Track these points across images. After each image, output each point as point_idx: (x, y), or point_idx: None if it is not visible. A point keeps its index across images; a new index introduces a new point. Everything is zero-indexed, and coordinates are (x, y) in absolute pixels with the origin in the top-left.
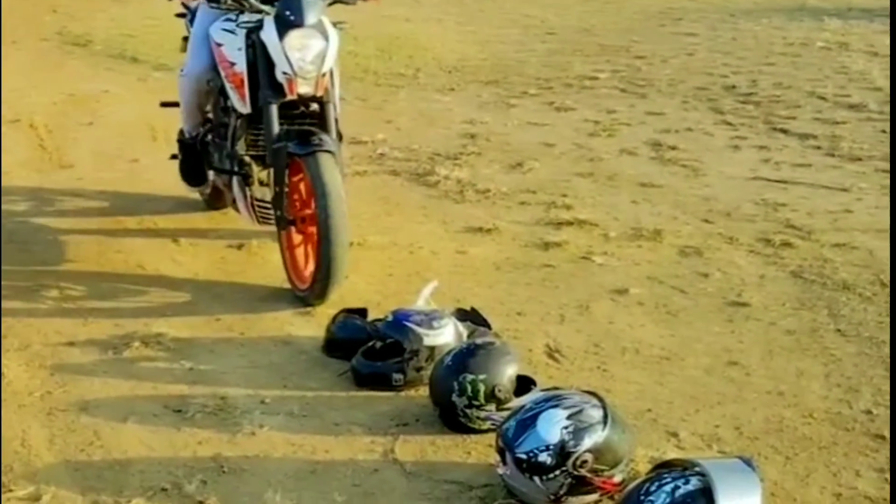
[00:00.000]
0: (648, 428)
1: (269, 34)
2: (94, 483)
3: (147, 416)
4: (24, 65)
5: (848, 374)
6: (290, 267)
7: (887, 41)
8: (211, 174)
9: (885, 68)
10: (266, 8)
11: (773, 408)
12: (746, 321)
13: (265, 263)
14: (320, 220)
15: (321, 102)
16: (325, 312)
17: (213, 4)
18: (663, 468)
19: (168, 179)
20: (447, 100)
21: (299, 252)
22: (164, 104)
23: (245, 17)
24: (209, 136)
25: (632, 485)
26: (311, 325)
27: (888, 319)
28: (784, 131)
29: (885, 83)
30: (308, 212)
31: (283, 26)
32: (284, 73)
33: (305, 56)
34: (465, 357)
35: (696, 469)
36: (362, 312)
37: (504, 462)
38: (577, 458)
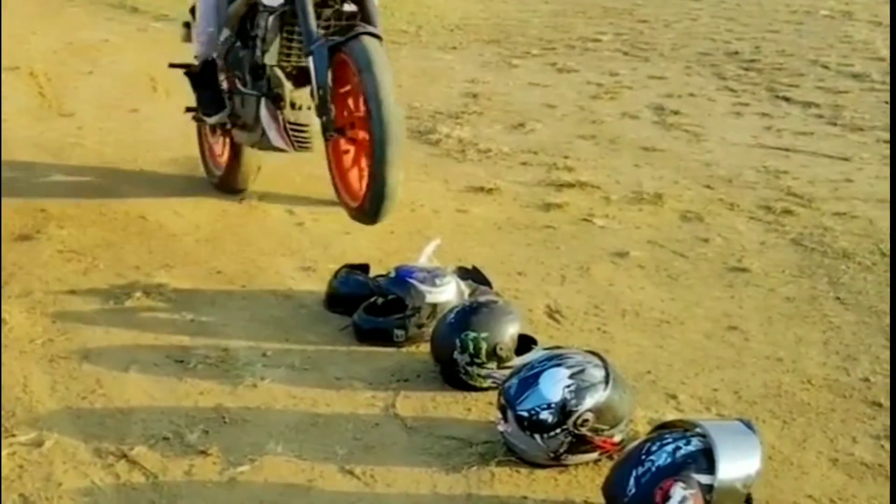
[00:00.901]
0: (648, 389)
1: None
2: (96, 430)
3: (149, 366)
4: (23, 12)
5: (846, 341)
6: (340, 181)
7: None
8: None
9: (888, 38)
10: None
11: (771, 373)
12: (746, 287)
13: (266, 217)
14: (372, 115)
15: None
16: (326, 267)
17: None
18: (664, 429)
19: (169, 130)
20: (449, 58)
21: (348, 162)
22: (174, 65)
23: None
24: (230, 55)
25: (632, 444)
26: (313, 280)
27: (888, 289)
28: (786, 99)
29: (888, 53)
30: (358, 115)
31: None
32: None
33: None
34: (468, 315)
35: (697, 430)
36: (364, 268)
37: (505, 419)
38: (578, 417)
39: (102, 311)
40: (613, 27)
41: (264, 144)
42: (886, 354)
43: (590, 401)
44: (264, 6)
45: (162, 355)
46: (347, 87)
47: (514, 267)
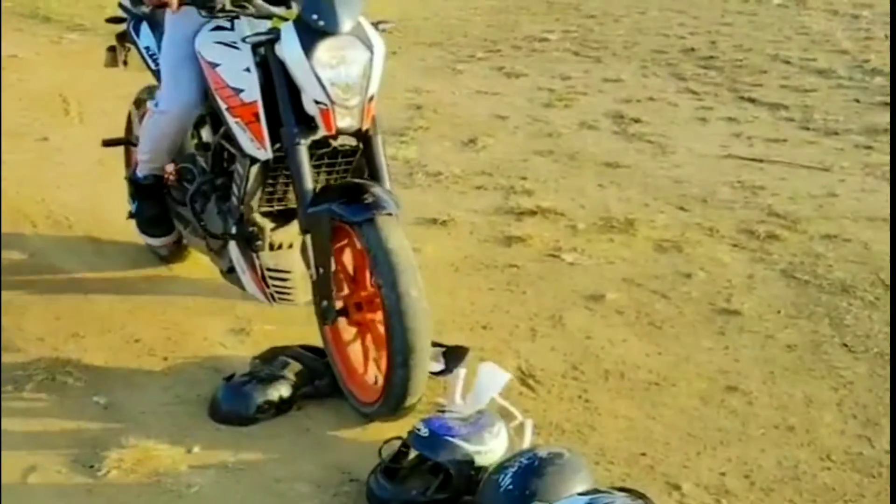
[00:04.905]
0: (645, 478)
1: (290, 48)
2: None
3: (52, 474)
4: None
5: (862, 400)
6: (345, 372)
7: None
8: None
9: (847, 28)
10: (278, 11)
11: (784, 447)
12: (740, 334)
13: (194, 268)
14: (391, 308)
15: (365, 136)
16: (262, 329)
17: (203, 10)
18: None
19: (82, 163)
20: (389, 64)
21: (354, 351)
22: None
23: (245, 25)
24: (200, 190)
25: None
26: (246, 346)
27: None
28: (752, 100)
29: (851, 45)
30: (364, 293)
31: (310, 36)
32: (317, 102)
33: (346, 76)
34: (530, 477)
35: None
36: (318, 352)
37: None
38: None
39: None
40: (560, 24)
41: (233, 281)
42: None
43: None
44: (245, 154)
45: (69, 458)
46: (344, 257)
47: (476, 319)
